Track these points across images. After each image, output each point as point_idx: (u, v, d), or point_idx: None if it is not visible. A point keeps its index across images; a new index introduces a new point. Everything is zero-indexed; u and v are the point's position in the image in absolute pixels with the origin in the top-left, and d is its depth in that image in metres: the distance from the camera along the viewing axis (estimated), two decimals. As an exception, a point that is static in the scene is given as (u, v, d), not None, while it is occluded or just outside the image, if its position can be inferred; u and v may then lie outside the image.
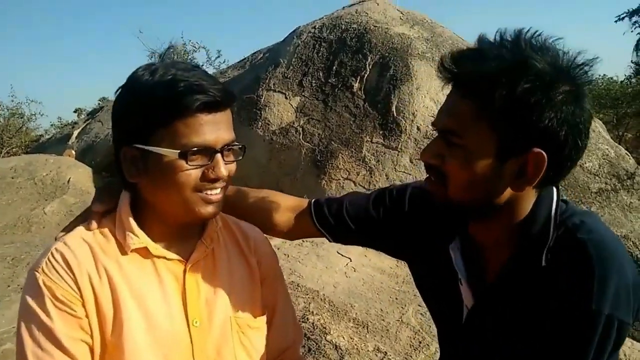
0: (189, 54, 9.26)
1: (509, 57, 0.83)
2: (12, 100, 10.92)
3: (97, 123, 6.84)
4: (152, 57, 9.43)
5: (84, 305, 0.90)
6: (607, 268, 0.82)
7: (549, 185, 0.92)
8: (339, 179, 4.01)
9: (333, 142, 4.16)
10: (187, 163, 0.89)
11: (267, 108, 4.52)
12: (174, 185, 0.91)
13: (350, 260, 3.10)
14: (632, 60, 9.81)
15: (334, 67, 4.53)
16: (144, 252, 0.96)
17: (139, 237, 0.95)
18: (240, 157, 1.00)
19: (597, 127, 4.50)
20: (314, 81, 4.53)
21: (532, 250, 0.91)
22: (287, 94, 4.54)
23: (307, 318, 2.22)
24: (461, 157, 0.87)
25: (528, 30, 0.87)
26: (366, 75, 4.37)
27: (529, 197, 0.92)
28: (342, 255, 3.16)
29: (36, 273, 0.89)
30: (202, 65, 9.15)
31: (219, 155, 0.92)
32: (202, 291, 0.99)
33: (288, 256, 3.05)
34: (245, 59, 7.19)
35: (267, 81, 4.72)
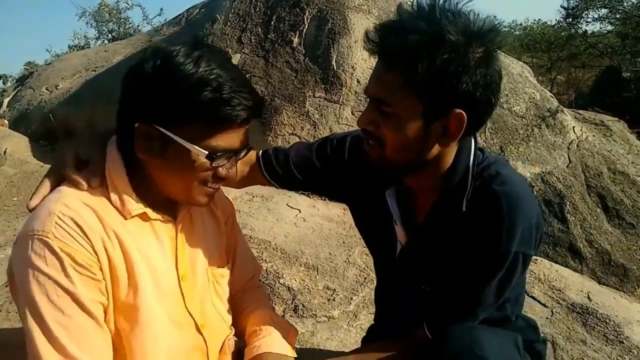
0: (122, 12, 8.80)
1: (426, 29, 0.93)
2: None
3: (28, 90, 6.48)
4: (81, 17, 8.90)
5: (101, 269, 0.90)
6: (515, 215, 1.00)
7: (467, 136, 1.07)
8: (285, 135, 4.10)
9: (276, 99, 4.22)
10: (211, 164, 0.93)
11: (207, 67, 4.47)
12: (186, 176, 0.94)
13: (300, 212, 3.24)
14: (561, 5, 10.20)
15: (273, 22, 4.52)
16: (143, 216, 0.98)
17: (138, 204, 0.97)
18: (244, 155, 1.04)
19: (524, 72, 4.77)
20: (253, 37, 4.51)
21: (453, 197, 1.08)
22: (226, 51, 4.51)
23: (261, 266, 2.37)
24: (393, 123, 0.99)
25: None
26: (305, 30, 4.40)
27: (452, 150, 1.07)
28: (292, 208, 3.30)
29: (47, 240, 0.85)
30: (138, 25, 8.72)
31: (234, 158, 0.98)
32: (186, 249, 1.06)
33: (240, 212, 3.15)
34: (180, 15, 6.95)
35: (205, 39, 4.65)
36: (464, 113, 0.96)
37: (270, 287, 2.20)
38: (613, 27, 10.13)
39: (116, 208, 0.95)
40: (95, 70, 5.92)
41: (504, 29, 1.05)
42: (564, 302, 2.27)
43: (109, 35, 9.93)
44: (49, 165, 1.05)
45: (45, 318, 0.83)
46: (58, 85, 6.11)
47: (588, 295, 2.36)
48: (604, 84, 9.74)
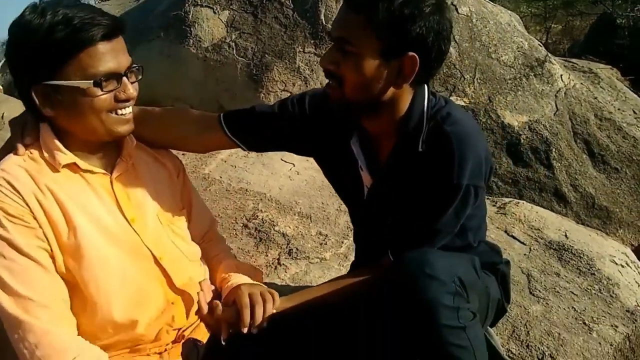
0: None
1: None
2: None
3: (18, 54, 6.46)
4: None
5: (35, 218, 1.01)
6: (465, 152, 1.11)
7: (421, 83, 1.17)
8: (276, 91, 4.16)
9: (267, 55, 4.25)
10: (101, 90, 1.02)
11: (196, 24, 4.47)
12: (91, 111, 1.04)
13: (294, 165, 3.35)
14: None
15: (260, -22, 4.49)
16: (73, 168, 1.09)
17: (67, 155, 1.07)
18: (140, 77, 1.13)
19: (513, 21, 4.78)
20: (241, -7, 4.49)
21: (411, 139, 1.18)
22: (215, 8, 4.50)
23: (257, 215, 2.50)
24: (354, 62, 1.08)
25: None
26: (293, -16, 4.38)
27: (407, 95, 1.17)
28: (286, 162, 3.40)
29: None
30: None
31: (125, 79, 1.06)
32: (130, 197, 1.15)
33: (235, 167, 3.26)
34: (167, -27, 6.82)
35: (193, -4, 4.62)
36: (416, 56, 1.07)
37: (266, 234, 2.34)
38: (608, -29, 9.95)
39: (48, 163, 1.07)
40: (84, 32, 5.86)
41: None
42: (542, 240, 2.42)
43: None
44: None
45: None
46: (48, 49, 6.07)
47: (565, 234, 2.50)
48: (598, 32, 9.65)
